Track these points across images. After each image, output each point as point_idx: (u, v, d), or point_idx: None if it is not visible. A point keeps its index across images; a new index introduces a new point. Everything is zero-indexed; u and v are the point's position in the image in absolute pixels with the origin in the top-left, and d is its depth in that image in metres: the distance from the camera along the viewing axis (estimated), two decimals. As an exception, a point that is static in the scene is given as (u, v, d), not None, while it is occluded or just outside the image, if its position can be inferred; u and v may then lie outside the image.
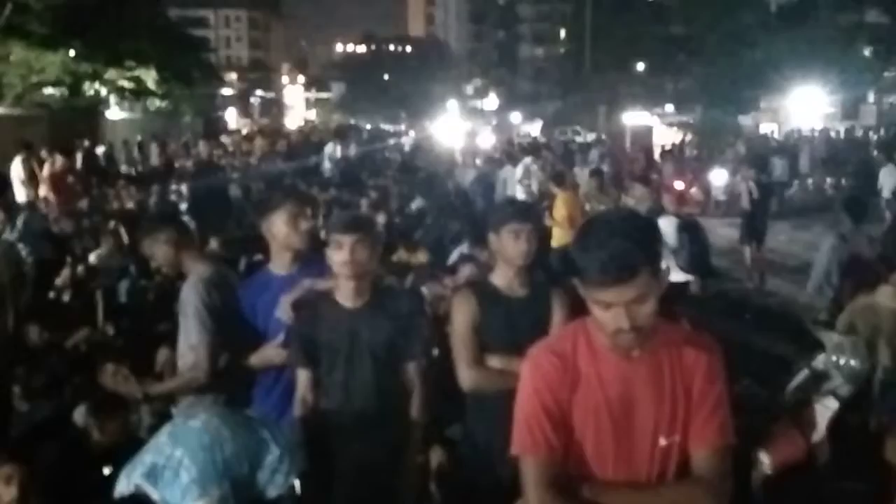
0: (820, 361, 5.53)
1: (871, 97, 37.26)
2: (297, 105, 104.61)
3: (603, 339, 2.37)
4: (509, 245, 3.88)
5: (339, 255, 3.64)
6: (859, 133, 34.90)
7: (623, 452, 2.37)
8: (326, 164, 21.88)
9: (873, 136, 32.97)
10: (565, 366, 2.39)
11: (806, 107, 37.02)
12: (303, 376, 3.82)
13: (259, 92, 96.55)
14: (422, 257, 6.96)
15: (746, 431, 3.89)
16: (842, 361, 5.43)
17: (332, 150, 22.55)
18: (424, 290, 5.96)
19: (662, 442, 2.37)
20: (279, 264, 4.21)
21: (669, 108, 49.11)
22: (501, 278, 3.98)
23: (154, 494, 3.04)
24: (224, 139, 36.70)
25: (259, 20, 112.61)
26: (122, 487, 3.12)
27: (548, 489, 2.32)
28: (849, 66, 36.50)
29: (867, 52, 37.36)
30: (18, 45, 26.05)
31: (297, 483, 3.45)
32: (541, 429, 2.35)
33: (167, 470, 3.07)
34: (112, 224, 10.75)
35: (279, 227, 4.14)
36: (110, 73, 31.18)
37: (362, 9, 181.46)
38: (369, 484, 3.72)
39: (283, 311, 3.89)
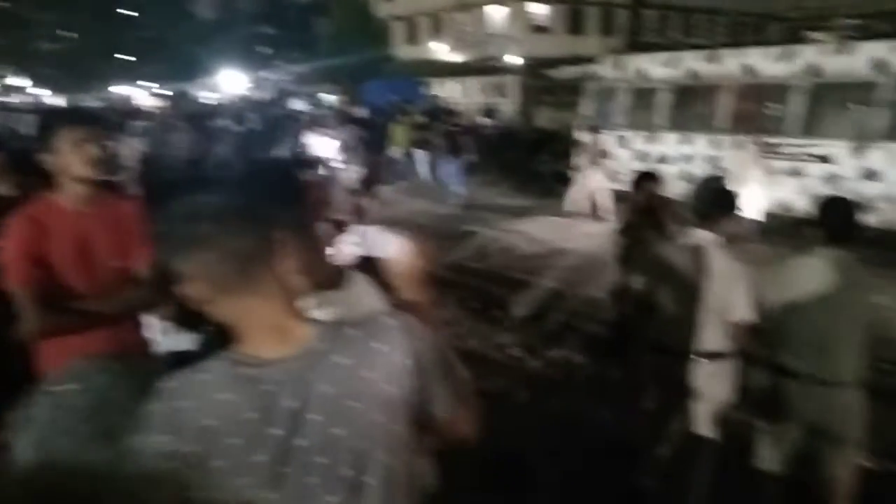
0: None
1: (264, 73, 39.51)
2: None
3: (65, 203, 2.20)
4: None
5: None
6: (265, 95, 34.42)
7: (90, 273, 2.19)
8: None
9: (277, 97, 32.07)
10: (38, 224, 2.15)
11: (230, 80, 37.80)
12: None
13: None
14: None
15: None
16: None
17: None
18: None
19: (116, 264, 2.23)
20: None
21: (150, 83, 44.79)
22: None
23: None
24: None
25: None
26: None
27: (36, 305, 2.08)
28: (252, 55, 39.13)
29: (262, 48, 40.49)
30: None
31: None
32: (25, 269, 2.09)
33: None
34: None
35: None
36: None
37: None
38: None
39: None
